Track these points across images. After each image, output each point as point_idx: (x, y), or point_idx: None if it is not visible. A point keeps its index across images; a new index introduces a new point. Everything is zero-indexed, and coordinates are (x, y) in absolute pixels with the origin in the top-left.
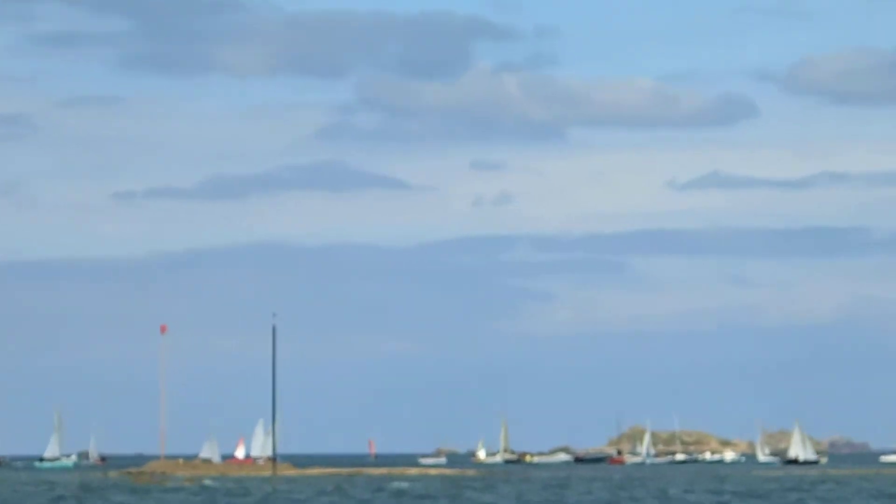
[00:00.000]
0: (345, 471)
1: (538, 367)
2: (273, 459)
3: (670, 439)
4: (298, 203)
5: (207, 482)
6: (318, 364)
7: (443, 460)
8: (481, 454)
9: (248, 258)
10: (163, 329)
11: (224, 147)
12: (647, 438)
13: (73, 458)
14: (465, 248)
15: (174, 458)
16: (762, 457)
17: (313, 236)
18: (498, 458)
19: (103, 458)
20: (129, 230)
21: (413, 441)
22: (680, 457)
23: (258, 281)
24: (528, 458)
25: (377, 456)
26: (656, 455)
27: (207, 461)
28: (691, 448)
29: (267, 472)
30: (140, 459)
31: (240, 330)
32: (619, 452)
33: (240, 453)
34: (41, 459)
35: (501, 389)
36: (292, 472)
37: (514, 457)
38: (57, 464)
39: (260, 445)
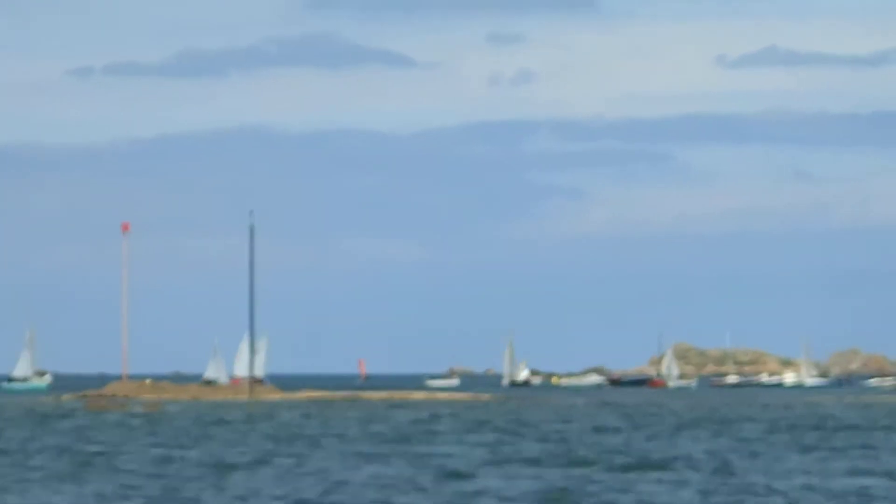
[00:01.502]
0: (338, 395)
1: (566, 275)
2: (251, 381)
3: (722, 359)
4: (284, 82)
5: (138, 409)
6: (304, 270)
7: (455, 382)
8: (524, 374)
9: (225, 146)
10: (125, 228)
11: (198, 15)
12: (668, 356)
13: (48, 378)
14: (479, 136)
15: (141, 378)
16: (809, 379)
17: (301, 121)
18: (506, 381)
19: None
20: (87, 113)
21: (419, 361)
22: (732, 379)
23: (236, 172)
24: (555, 381)
25: (368, 377)
26: (679, 376)
27: (212, 382)
28: (746, 370)
29: (244, 397)
30: (102, 380)
31: (214, 230)
32: (660, 374)
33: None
34: (9, 380)
35: (523, 301)
36: (276, 395)
37: (519, 380)
38: (28, 385)
39: (245, 364)
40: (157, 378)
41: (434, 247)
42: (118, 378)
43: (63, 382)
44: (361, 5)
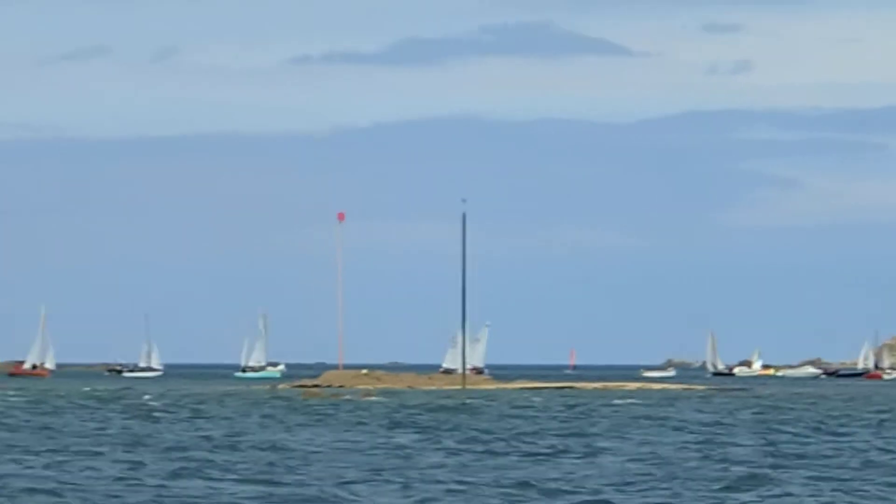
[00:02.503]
0: (552, 385)
1: (779, 265)
2: (464, 371)
3: None
4: (499, 71)
5: (348, 396)
6: (516, 259)
7: (671, 373)
8: (756, 365)
9: (440, 134)
10: (340, 217)
11: (416, 4)
12: (865, 347)
13: (282, 367)
14: (695, 125)
15: (357, 367)
16: None
17: (516, 110)
18: (671, 371)
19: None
20: (305, 100)
21: (633, 351)
22: None
23: (450, 161)
24: (772, 372)
25: (576, 367)
26: (891, 367)
27: (451, 372)
28: None
29: (458, 386)
30: (320, 369)
31: (427, 218)
32: (877, 366)
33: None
34: (243, 369)
35: (735, 291)
36: (490, 385)
37: (725, 369)
38: (262, 374)
39: (467, 354)
40: (373, 367)
41: (647, 236)
42: (335, 367)
43: (296, 372)
44: None
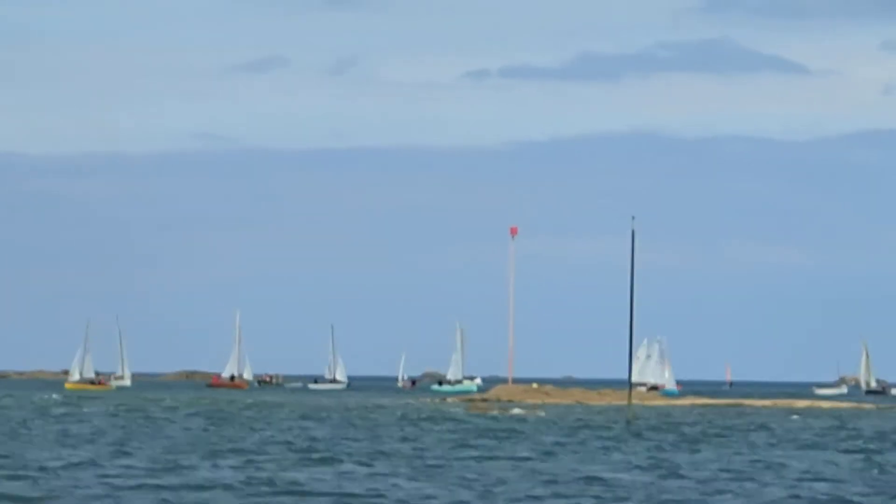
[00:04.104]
0: (721, 402)
1: None
2: (630, 387)
3: None
4: (677, 87)
5: (516, 412)
6: (688, 275)
7: (843, 391)
8: None
9: (616, 150)
10: (513, 232)
11: (593, 20)
12: None
13: (478, 380)
14: (872, 143)
15: (530, 381)
16: None
17: (693, 126)
18: (843, 388)
19: (414, 382)
20: (482, 115)
21: (805, 369)
22: None
23: (625, 176)
24: None
25: (732, 384)
26: None
27: (654, 389)
28: None
29: (624, 402)
30: (491, 383)
31: (600, 233)
32: None
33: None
34: (440, 383)
35: None
36: (659, 401)
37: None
38: (458, 387)
39: (638, 370)
40: (545, 382)
41: (821, 254)
42: (504, 381)
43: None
44: (755, 11)
